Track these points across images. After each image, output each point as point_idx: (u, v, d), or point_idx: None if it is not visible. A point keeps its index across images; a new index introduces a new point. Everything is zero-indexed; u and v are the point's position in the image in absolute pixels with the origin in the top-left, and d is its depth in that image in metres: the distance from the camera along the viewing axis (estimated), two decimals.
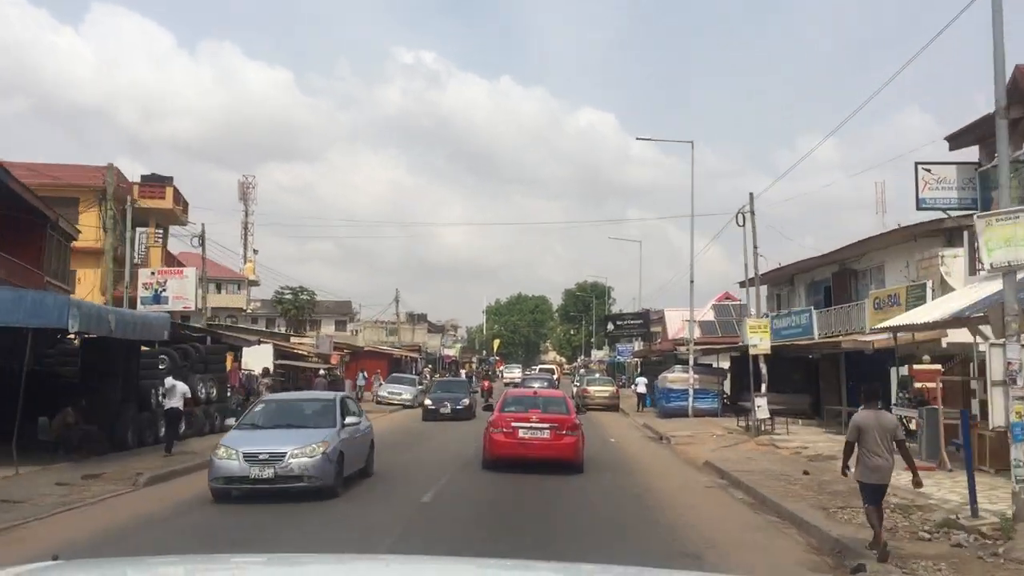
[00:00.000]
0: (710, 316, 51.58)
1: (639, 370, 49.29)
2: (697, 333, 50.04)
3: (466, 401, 32.92)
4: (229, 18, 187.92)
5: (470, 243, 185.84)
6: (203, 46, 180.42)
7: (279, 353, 34.89)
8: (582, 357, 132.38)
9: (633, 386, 43.64)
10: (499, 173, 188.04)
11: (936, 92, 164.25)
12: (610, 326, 49.67)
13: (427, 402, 32.45)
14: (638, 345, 60.86)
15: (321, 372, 33.52)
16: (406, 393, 40.42)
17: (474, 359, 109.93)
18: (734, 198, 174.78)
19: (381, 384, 41.66)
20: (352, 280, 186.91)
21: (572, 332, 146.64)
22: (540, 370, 79.53)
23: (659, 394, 35.13)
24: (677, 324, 54.57)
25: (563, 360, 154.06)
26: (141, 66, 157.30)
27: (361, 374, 41.14)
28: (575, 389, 50.68)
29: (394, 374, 43.46)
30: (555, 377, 70.36)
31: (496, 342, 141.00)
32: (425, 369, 57.68)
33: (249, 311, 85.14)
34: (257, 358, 34.35)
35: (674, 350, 42.49)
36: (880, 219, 65.15)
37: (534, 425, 16.46)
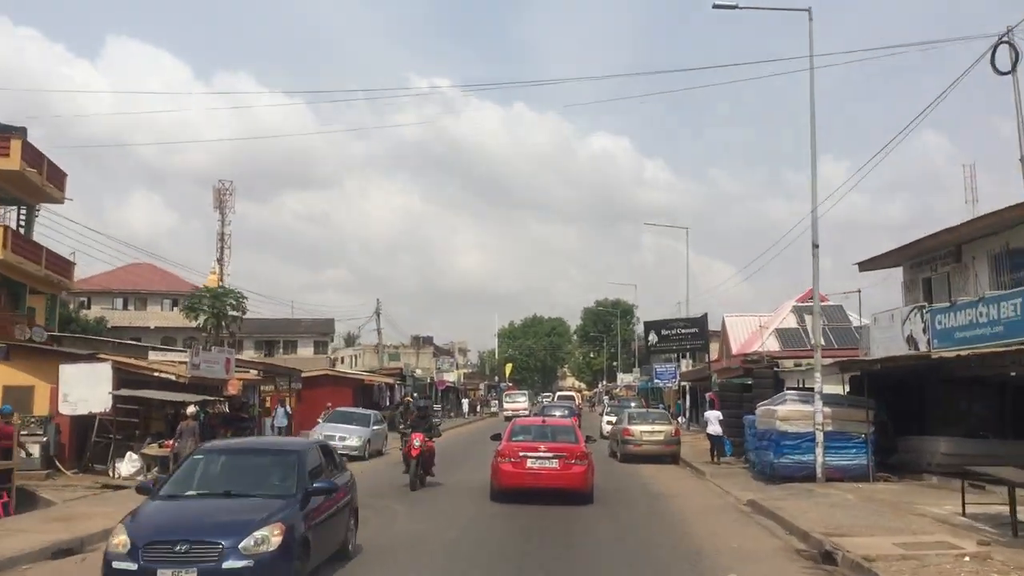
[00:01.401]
0: (790, 322, 37.14)
1: (705, 400, 34.67)
2: (774, 345, 35.49)
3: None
4: (244, 48, 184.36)
5: (484, 269, 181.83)
6: (219, 77, 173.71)
7: (123, 379, 20.69)
8: (603, 383, 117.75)
9: (699, 422, 29.55)
10: (512, 198, 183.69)
11: (951, 113, 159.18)
12: (652, 337, 35.41)
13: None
14: (687, 365, 46.38)
15: (190, 410, 19.25)
16: (352, 437, 26.22)
17: (482, 385, 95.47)
18: (748, 221, 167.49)
19: (320, 424, 27.44)
20: (368, 306, 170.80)
21: (592, 355, 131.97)
22: (559, 398, 66.54)
23: (757, 441, 20.67)
24: (745, 333, 40.04)
25: (583, 386, 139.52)
26: (156, 97, 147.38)
27: (282, 410, 26.97)
28: (606, 426, 36.42)
29: (340, 410, 29.05)
30: (575, 405, 56.79)
31: (508, 366, 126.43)
32: (406, 399, 43.21)
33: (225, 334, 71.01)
34: (92, 384, 20.23)
35: (747, 371, 27.86)
36: (971, 207, 51.41)
37: (542, 455, 16.12)
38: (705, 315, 35.29)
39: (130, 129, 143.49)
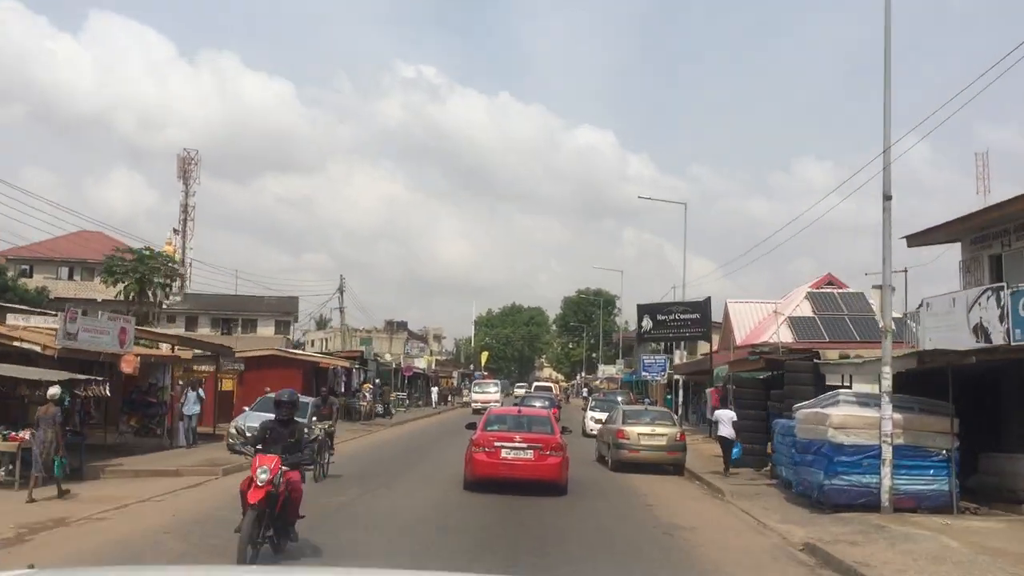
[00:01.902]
0: (805, 310, 32.31)
1: (702, 396, 29.91)
2: (787, 337, 30.67)
3: None
4: (229, 28, 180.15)
5: (466, 258, 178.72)
6: (203, 55, 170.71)
7: None
8: (582, 374, 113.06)
9: (694, 421, 24.86)
10: (496, 189, 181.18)
11: (928, 117, 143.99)
12: (646, 322, 30.41)
13: None
14: (681, 356, 41.59)
15: (51, 392, 14.11)
16: None
17: (455, 373, 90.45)
18: (732, 219, 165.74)
19: (245, 413, 22.28)
20: (349, 293, 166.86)
21: (571, 346, 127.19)
22: (536, 389, 61.93)
23: (797, 453, 15.73)
24: (751, 321, 35.21)
25: (560, 377, 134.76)
26: (140, 75, 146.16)
27: (193, 395, 21.57)
28: (591, 423, 31.73)
29: (271, 397, 23.91)
30: (555, 396, 52.13)
31: (484, 354, 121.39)
32: (364, 387, 38.09)
33: (166, 306, 65.50)
34: None
35: (769, 364, 22.87)
36: (983, 198, 46.95)
37: (517, 445, 15.67)
38: (708, 299, 30.40)
39: (113, 105, 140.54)
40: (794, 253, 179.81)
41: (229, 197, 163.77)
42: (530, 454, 15.59)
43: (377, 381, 43.06)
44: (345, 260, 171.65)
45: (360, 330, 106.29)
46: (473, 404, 45.85)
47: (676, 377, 38.85)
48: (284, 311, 67.19)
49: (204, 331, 64.34)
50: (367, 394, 37.75)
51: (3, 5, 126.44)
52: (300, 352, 36.32)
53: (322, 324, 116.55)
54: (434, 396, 51.58)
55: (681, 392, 38.61)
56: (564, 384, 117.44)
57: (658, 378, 44.62)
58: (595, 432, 32.72)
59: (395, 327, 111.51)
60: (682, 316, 30.29)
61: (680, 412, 41.43)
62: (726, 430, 20.29)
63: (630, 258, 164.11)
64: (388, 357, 64.75)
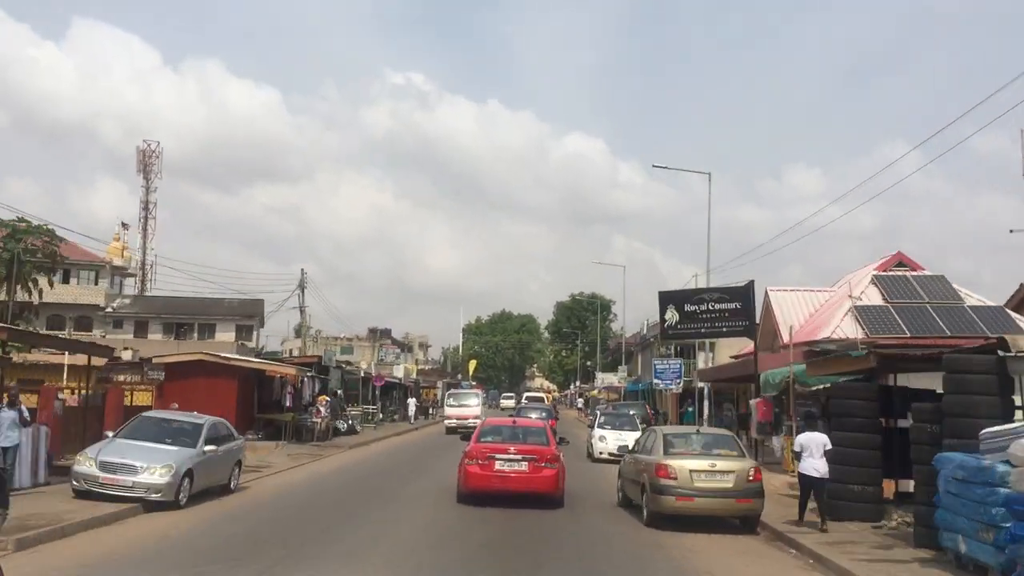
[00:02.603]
0: (872, 297, 25.20)
1: (765, 410, 22.70)
2: (851, 331, 23.53)
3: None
4: (215, 36, 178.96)
5: (455, 267, 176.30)
6: (188, 63, 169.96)
7: None
8: (576, 383, 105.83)
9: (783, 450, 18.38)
10: (485, 197, 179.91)
11: (921, 125, 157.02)
12: (670, 315, 22.82)
13: None
14: (706, 359, 34.41)
15: None
16: (152, 468, 13.87)
17: (440, 384, 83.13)
18: (719, 226, 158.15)
19: (108, 441, 14.99)
20: (335, 302, 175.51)
21: (565, 353, 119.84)
22: (527, 400, 56.89)
23: (990, 510, 8.58)
24: (802, 314, 28.08)
25: (553, 387, 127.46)
26: (124, 82, 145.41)
27: (9, 415, 14.17)
28: (599, 443, 25.05)
29: (151, 416, 16.55)
30: (554, 408, 47.92)
31: (472, 363, 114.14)
32: (320, 400, 30.80)
33: (112, 309, 58.12)
34: None
35: (883, 362, 15.51)
36: None
37: (511, 457, 14.94)
38: (751, 284, 23.17)
39: (96, 113, 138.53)
40: (786, 259, 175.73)
41: (215, 206, 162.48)
42: (525, 466, 14.92)
43: (339, 393, 35.73)
44: (334, 270, 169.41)
45: (340, 338, 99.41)
46: (447, 422, 38.24)
47: (700, 385, 31.67)
48: (246, 314, 59.72)
49: (156, 337, 56.90)
50: (322, 408, 30.44)
51: None
52: (235, 357, 28.97)
53: (301, 331, 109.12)
54: (411, 409, 44.30)
55: (706, 402, 31.41)
56: (555, 394, 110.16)
57: (672, 387, 37.60)
58: (604, 455, 25.74)
59: (378, 335, 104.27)
60: (717, 306, 23.13)
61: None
62: (817, 464, 13.13)
63: (619, 263, 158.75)
64: (364, 364, 57.50)
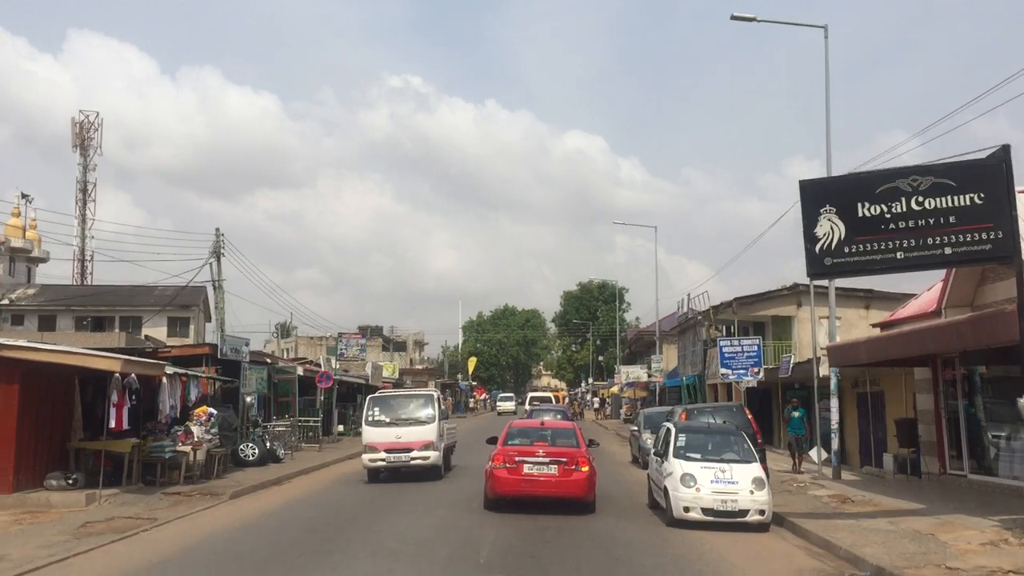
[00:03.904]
0: None
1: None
2: None
3: None
4: (211, 44, 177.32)
5: (457, 268, 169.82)
6: (185, 72, 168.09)
7: None
8: (589, 380, 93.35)
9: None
10: (485, 198, 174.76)
11: (920, 114, 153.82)
12: (829, 228, 10.96)
13: None
14: (825, 336, 21.76)
15: None
16: None
17: (431, 384, 70.60)
18: (721, 221, 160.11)
19: None
20: (340, 307, 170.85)
21: (574, 348, 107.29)
22: (534, 400, 50.60)
23: None
24: None
25: (561, 386, 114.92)
26: (123, 93, 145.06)
27: None
28: (660, 477, 12.24)
29: None
30: (567, 408, 41.93)
31: (471, 361, 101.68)
32: (198, 414, 18.24)
33: (11, 300, 45.69)
34: None
35: None
36: None
37: (540, 460, 14.26)
38: (1006, 149, 11.16)
39: (94, 123, 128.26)
40: (790, 253, 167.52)
41: (218, 215, 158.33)
42: (554, 469, 14.15)
43: (251, 401, 23.31)
44: (337, 274, 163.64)
45: (327, 337, 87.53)
46: (367, 460, 19.44)
47: (823, 373, 19.20)
48: (182, 304, 47.18)
49: (67, 333, 44.49)
50: (197, 427, 18.05)
51: None
52: (27, 345, 16.40)
53: (285, 332, 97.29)
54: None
55: (835, 402, 18.91)
56: (561, 394, 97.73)
57: (749, 378, 25.31)
58: (696, 515, 13.14)
59: (368, 333, 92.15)
60: (929, 203, 10.77)
61: (802, 444, 22.01)
62: None
63: (622, 264, 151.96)
64: (339, 364, 45.18)
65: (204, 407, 19.14)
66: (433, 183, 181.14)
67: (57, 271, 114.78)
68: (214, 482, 18.51)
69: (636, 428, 23.10)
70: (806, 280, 32.35)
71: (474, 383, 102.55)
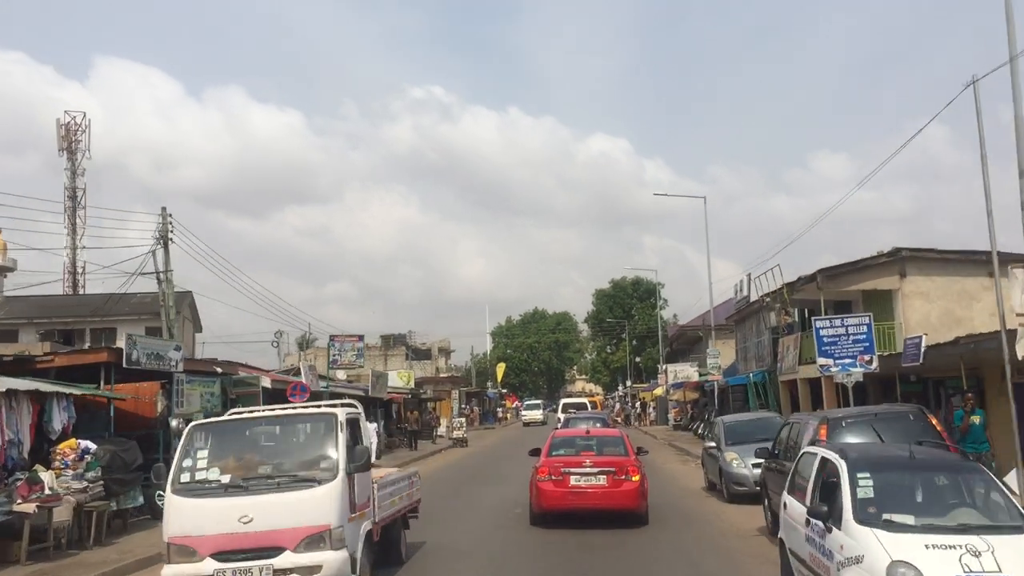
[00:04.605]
0: None
1: None
2: None
3: None
4: (234, 63, 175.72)
5: (487, 277, 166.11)
6: (210, 93, 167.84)
7: None
8: (628, 383, 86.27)
9: None
10: (511, 205, 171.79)
11: (949, 102, 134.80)
12: None
13: None
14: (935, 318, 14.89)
15: None
16: None
17: (455, 393, 64.13)
18: (749, 219, 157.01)
19: None
20: (370, 320, 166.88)
21: (609, 349, 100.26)
22: (568, 407, 44.16)
23: None
24: None
25: (597, 391, 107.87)
26: (150, 116, 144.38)
27: None
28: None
29: None
30: (607, 415, 35.31)
31: (500, 367, 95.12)
32: (62, 452, 11.80)
33: None
34: None
35: None
36: None
37: (588, 470, 13.40)
38: None
39: (126, 149, 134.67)
40: (817, 249, 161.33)
41: (247, 233, 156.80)
42: (603, 479, 13.29)
43: (175, 424, 16.90)
44: (367, 286, 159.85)
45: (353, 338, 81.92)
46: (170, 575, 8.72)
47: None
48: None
49: (35, 348, 38.67)
50: (47, 475, 11.67)
51: (9, 57, 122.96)
52: None
53: (305, 344, 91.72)
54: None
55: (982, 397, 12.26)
56: (597, 399, 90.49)
57: (859, 369, 18.69)
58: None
59: (392, 342, 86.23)
60: None
61: (990, 464, 14.92)
62: None
63: (652, 265, 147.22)
64: (342, 375, 38.84)
65: (72, 441, 12.73)
66: (458, 192, 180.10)
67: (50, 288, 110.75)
68: (89, 554, 12.15)
69: (713, 444, 16.48)
70: (912, 244, 25.80)
71: (504, 391, 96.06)
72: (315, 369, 25.37)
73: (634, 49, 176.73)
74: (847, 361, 18.85)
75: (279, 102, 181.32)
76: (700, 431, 35.10)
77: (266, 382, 22.10)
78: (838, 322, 19.24)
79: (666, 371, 48.27)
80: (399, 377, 47.64)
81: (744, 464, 15.30)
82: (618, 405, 66.78)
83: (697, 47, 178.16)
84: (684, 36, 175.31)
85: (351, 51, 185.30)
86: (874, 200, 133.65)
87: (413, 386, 46.97)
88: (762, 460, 14.00)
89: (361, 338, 30.86)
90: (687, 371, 42.81)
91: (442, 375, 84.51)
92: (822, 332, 19.10)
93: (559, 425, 36.83)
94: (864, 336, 18.95)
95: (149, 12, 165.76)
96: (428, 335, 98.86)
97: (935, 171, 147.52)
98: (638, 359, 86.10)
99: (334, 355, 29.94)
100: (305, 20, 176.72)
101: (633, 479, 13.25)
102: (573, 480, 13.28)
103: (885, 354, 19.84)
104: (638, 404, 59.66)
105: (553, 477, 13.42)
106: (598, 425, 22.94)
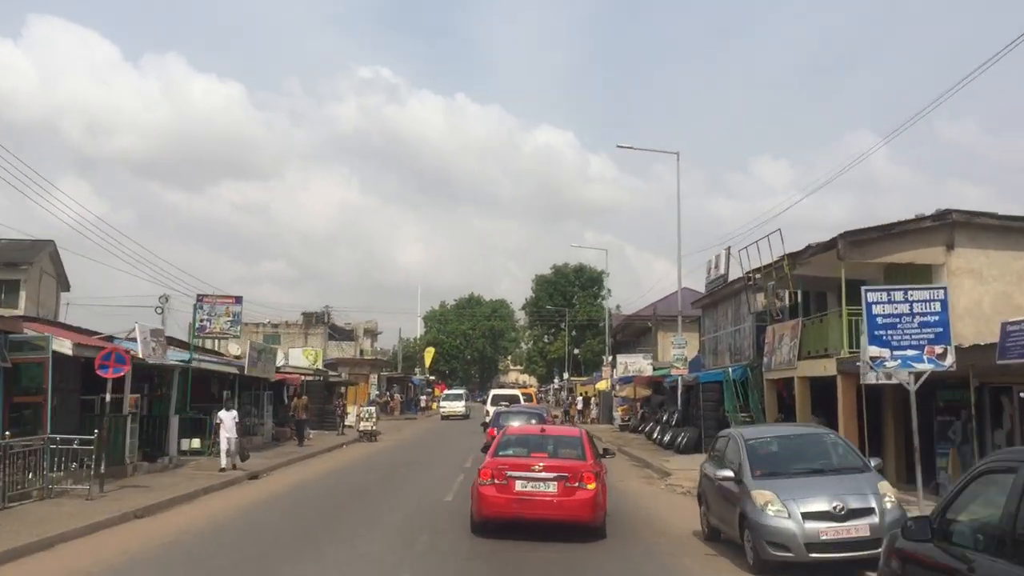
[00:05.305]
0: None
1: None
2: None
3: None
4: (175, 31, 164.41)
5: (424, 263, 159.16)
6: (149, 59, 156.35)
7: None
8: (566, 376, 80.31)
9: None
10: (454, 192, 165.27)
11: (888, 114, 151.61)
12: None
13: None
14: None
15: None
16: None
17: (373, 378, 57.33)
18: (690, 220, 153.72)
19: None
20: (304, 300, 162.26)
21: (547, 340, 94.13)
22: (497, 399, 40.31)
23: None
24: None
25: (532, 383, 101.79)
26: (85, 79, 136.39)
27: None
28: None
29: None
30: (547, 413, 27.65)
31: (429, 352, 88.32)
32: None
33: None
34: None
35: None
36: None
37: (536, 475, 11.58)
38: None
39: (58, 112, 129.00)
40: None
41: (182, 205, 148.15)
42: (553, 487, 11.50)
43: None
44: (302, 266, 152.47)
45: (265, 324, 74.77)
46: None
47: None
48: (9, 263, 33.52)
49: None
50: None
51: None
52: None
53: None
54: (222, 439, 18.10)
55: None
56: (533, 390, 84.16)
57: (928, 366, 12.59)
58: None
59: (314, 320, 79.15)
60: None
61: None
62: None
63: (591, 260, 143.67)
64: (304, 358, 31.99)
65: None
66: (401, 176, 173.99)
67: None
68: None
69: (730, 474, 10.01)
70: (966, 207, 20.10)
71: (432, 378, 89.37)
72: (161, 334, 18.41)
73: (586, 44, 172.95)
74: (910, 353, 12.87)
75: (220, 73, 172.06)
76: (657, 436, 29.07)
77: (64, 346, 15.08)
78: (899, 296, 13.17)
79: (612, 363, 42.16)
80: (304, 355, 40.62)
81: (789, 513, 9.04)
82: (566, 397, 60.36)
83: (649, 46, 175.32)
84: (637, 34, 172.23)
85: (300, 27, 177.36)
86: (814, 205, 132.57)
87: (320, 367, 39.99)
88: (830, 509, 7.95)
89: (238, 299, 23.90)
90: (639, 363, 36.81)
91: (366, 358, 77.51)
92: (875, 310, 13.06)
93: (487, 419, 30.60)
94: (938, 319, 12.98)
95: None
96: (352, 315, 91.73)
97: (873, 183, 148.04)
98: (576, 351, 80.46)
99: (202, 320, 22.94)
100: None
101: (588, 487, 11.57)
102: (519, 485, 11.65)
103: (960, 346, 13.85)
104: (579, 399, 53.48)
105: (497, 481, 11.76)
106: (534, 421, 19.65)
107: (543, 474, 11.60)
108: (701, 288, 30.83)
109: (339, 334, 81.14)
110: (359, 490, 16.98)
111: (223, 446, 18.49)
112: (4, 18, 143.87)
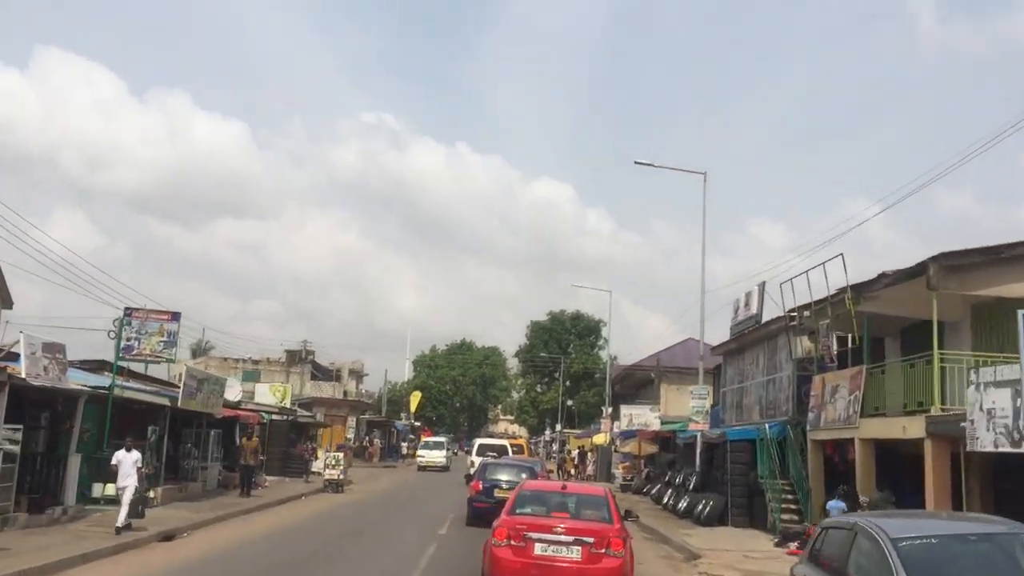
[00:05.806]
0: None
1: None
2: None
3: None
4: (182, 68, 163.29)
5: (419, 310, 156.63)
6: (154, 94, 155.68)
7: None
8: (558, 427, 75.65)
9: None
10: (451, 239, 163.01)
11: (882, 180, 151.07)
12: None
13: None
14: None
15: None
16: None
17: (351, 421, 52.90)
18: (684, 277, 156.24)
19: None
20: (296, 339, 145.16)
21: (539, 389, 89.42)
22: (482, 448, 35.25)
23: None
24: None
25: (521, 433, 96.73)
26: (88, 112, 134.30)
27: None
28: None
29: None
30: (542, 467, 25.53)
31: (415, 396, 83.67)
32: None
33: None
34: None
35: None
36: None
37: (558, 538, 10.19)
38: None
39: (59, 143, 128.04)
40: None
41: (177, 241, 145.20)
42: (577, 552, 10.12)
43: None
44: (295, 307, 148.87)
45: (246, 360, 70.99)
46: None
47: None
48: None
49: None
50: None
51: None
52: None
53: (200, 351, 79.69)
54: (126, 484, 14.06)
55: None
56: (523, 440, 79.20)
57: None
58: None
59: (297, 358, 75.23)
60: None
61: None
62: None
63: (589, 309, 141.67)
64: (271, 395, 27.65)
65: None
66: (398, 222, 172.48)
67: None
68: None
69: None
70: None
71: (417, 424, 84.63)
72: (60, 349, 14.27)
73: (587, 99, 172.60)
74: None
75: (225, 112, 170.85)
76: (669, 501, 24.75)
77: None
78: None
79: (612, 415, 37.84)
80: (271, 392, 36.25)
81: None
82: (566, 451, 55.55)
83: (648, 103, 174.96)
84: (637, 92, 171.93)
85: (306, 70, 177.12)
86: (806, 266, 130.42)
87: (287, 405, 35.59)
88: None
89: (175, 316, 19.68)
90: (646, 416, 32.53)
91: (348, 399, 72.98)
92: None
93: (471, 471, 26.25)
94: None
95: (98, 4, 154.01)
96: (340, 354, 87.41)
97: (868, 247, 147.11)
98: (570, 402, 76.07)
99: (129, 339, 18.74)
100: (264, 34, 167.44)
101: (616, 554, 10.15)
102: (538, 548, 10.20)
103: None
104: (575, 453, 48.98)
105: (513, 542, 10.31)
106: (524, 476, 18.41)
107: (564, 537, 10.25)
108: (700, 338, 26.70)
109: (323, 374, 76.90)
110: (295, 564, 12.70)
111: (125, 496, 14.17)
112: (12, 47, 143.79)
